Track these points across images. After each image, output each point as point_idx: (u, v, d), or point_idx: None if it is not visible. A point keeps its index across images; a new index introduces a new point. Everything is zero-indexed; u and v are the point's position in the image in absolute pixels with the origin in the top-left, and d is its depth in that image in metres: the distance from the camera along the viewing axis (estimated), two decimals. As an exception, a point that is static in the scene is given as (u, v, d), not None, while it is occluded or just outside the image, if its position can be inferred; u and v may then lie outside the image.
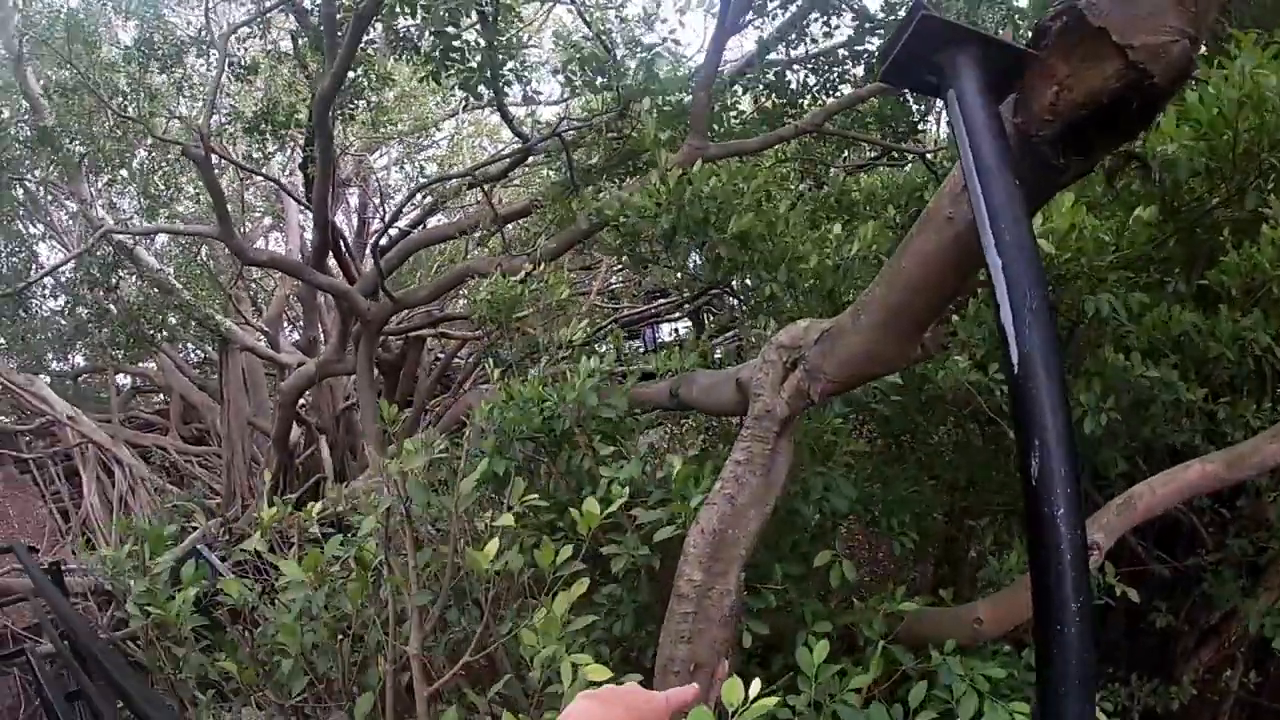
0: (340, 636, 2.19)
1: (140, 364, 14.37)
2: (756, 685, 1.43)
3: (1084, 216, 2.87)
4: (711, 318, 10.67)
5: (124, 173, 10.47)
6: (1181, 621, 3.72)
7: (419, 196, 11.90)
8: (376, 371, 10.45)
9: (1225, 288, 3.28)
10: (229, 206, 12.95)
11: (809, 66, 7.28)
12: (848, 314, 2.28)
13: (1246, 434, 3.24)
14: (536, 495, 2.41)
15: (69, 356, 15.27)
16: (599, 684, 1.68)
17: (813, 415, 3.02)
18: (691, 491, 2.50)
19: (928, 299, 2.05)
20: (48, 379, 13.84)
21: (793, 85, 7.20)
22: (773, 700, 1.40)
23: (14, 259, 9.45)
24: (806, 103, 7.21)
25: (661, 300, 11.95)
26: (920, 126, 8.70)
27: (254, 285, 14.24)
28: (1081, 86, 1.40)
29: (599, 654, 2.70)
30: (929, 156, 6.09)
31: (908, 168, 6.28)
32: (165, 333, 10.68)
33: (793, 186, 6.55)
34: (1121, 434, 3.31)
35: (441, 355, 12.58)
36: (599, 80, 6.43)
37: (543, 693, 1.73)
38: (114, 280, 10.14)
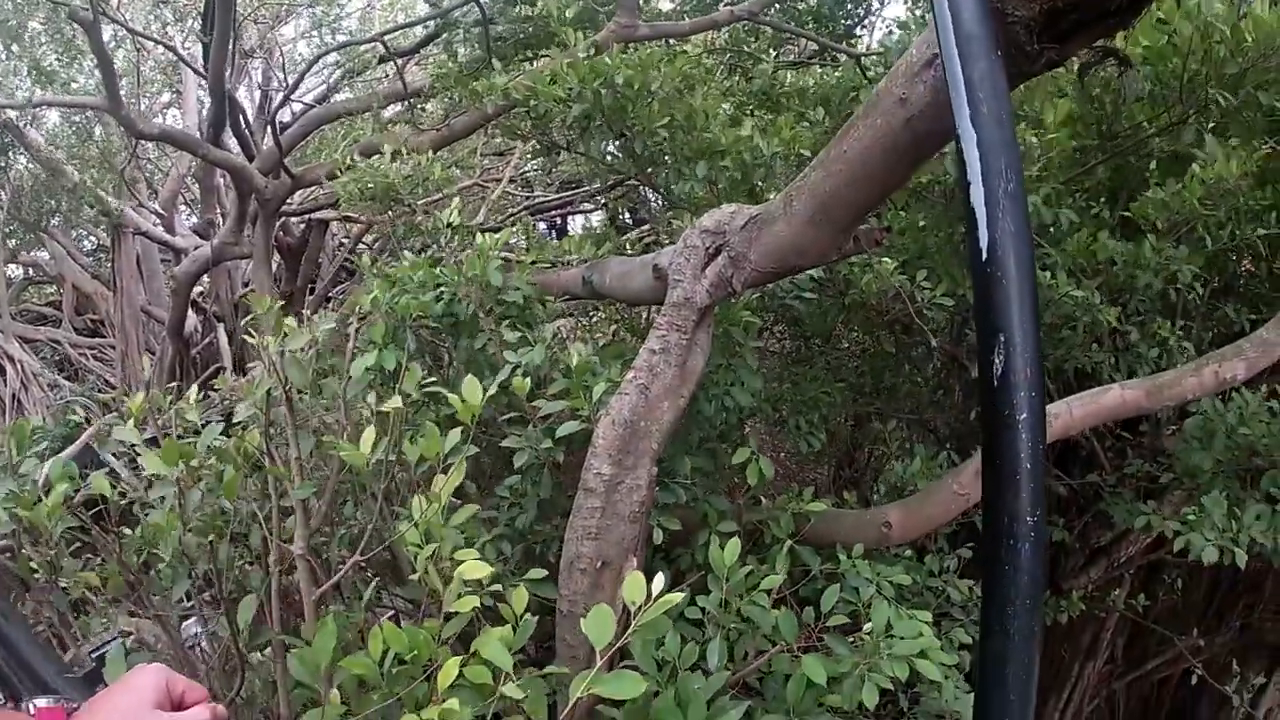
0: (214, 536, 1.99)
1: (32, 253, 13.50)
2: (660, 581, 1.32)
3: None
4: (627, 212, 10.35)
5: (15, 48, 9.52)
6: (1074, 538, 3.82)
7: (327, 72, 11.16)
8: (276, 255, 9.96)
9: (1150, 221, 3.25)
10: (124, 81, 12.02)
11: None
12: (778, 200, 2.14)
13: (1162, 353, 3.29)
14: (435, 381, 2.24)
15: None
16: (480, 582, 1.55)
17: (722, 307, 2.89)
18: (593, 382, 2.36)
19: (867, 190, 1.91)
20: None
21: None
22: (678, 596, 1.29)
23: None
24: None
25: (577, 190, 11.53)
26: (857, 31, 8.45)
27: (150, 165, 13.30)
28: (1062, -33, 1.25)
29: (500, 550, 2.58)
30: (864, 61, 5.84)
31: (839, 71, 6.03)
32: (53, 217, 9.89)
33: (720, 79, 6.28)
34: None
35: (347, 240, 12.07)
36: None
37: (430, 595, 1.59)
38: (3, 164, 9.33)
